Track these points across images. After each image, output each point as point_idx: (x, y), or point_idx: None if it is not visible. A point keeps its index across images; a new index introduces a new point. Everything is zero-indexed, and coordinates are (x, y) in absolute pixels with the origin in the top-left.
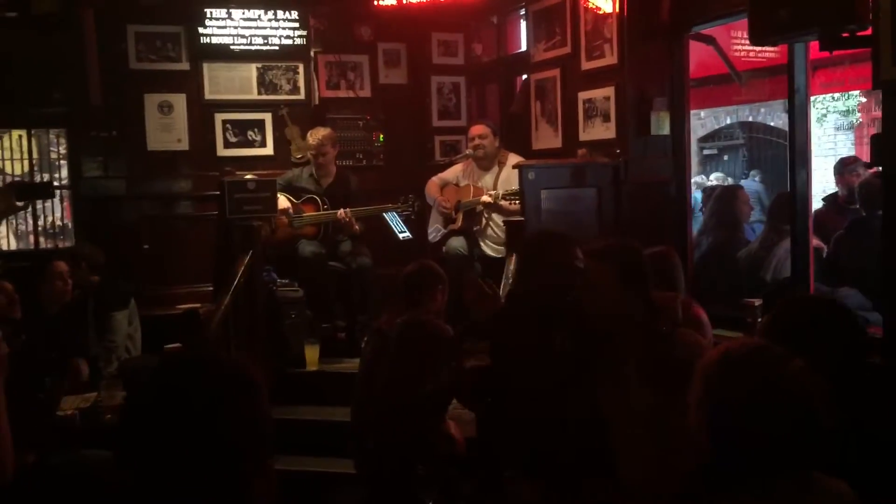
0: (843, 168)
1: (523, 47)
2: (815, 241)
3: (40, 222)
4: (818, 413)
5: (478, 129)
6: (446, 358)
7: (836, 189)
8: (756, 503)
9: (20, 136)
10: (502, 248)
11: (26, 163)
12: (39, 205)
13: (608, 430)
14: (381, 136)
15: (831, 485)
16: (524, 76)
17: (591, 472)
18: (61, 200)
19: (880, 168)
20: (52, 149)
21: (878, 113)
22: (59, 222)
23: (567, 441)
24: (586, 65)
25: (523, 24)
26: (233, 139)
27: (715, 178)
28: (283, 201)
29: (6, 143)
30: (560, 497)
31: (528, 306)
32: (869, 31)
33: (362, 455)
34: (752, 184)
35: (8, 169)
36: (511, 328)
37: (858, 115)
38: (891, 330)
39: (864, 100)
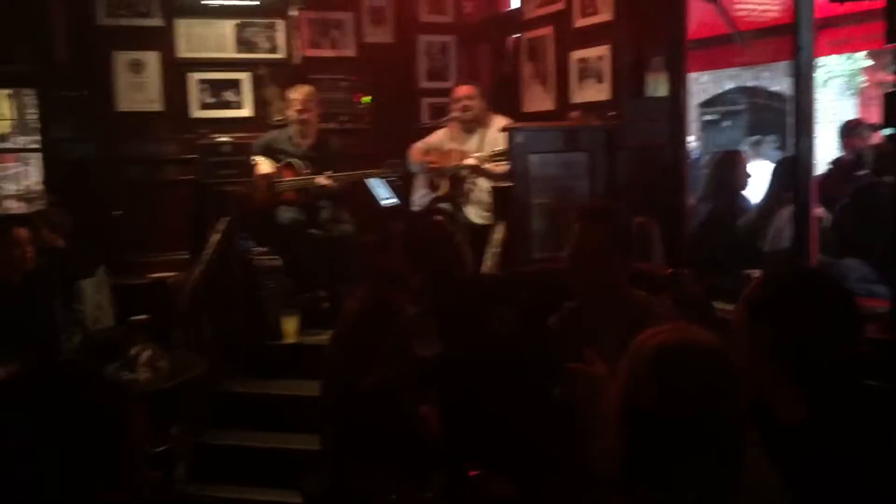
0: (849, 131)
1: (516, 4)
2: (818, 210)
3: (15, 186)
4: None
5: (465, 90)
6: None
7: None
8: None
9: (6, 97)
10: (488, 214)
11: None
12: (13, 169)
13: (575, 418)
14: (367, 97)
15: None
16: (516, 36)
17: (558, 465)
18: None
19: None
20: (30, 111)
21: (884, 76)
22: (35, 187)
23: (521, 432)
24: (580, 21)
25: None
26: (209, 100)
27: (754, 143)
28: (265, 165)
29: None
30: (526, 493)
31: (454, 290)
32: None
33: (325, 437)
34: (766, 151)
35: None
36: (443, 316)
37: (863, 78)
38: None
39: (871, 62)
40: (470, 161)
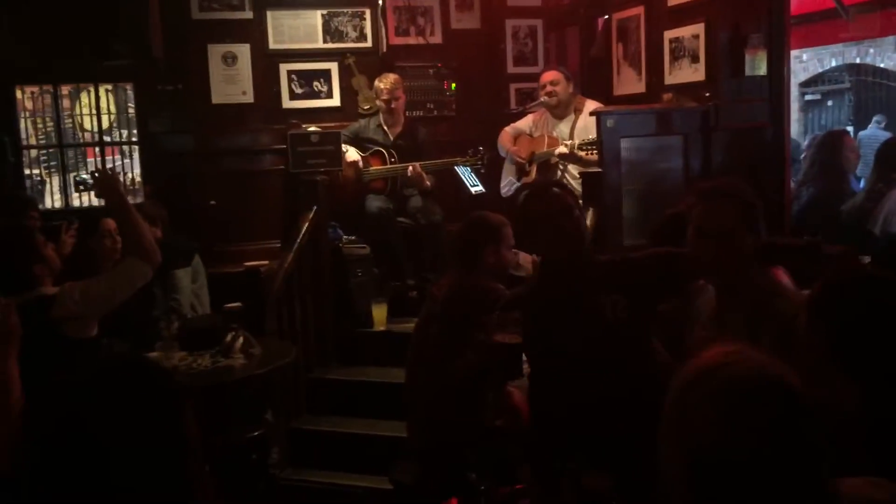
0: None
1: None
2: None
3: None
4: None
5: (549, 76)
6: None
7: None
8: None
9: (106, 91)
10: (580, 201)
11: (105, 118)
12: (119, 162)
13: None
14: (454, 84)
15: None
16: (605, 17)
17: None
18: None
19: None
20: (129, 104)
21: None
22: (138, 179)
23: (621, 425)
24: (673, 0)
25: None
26: (298, 90)
27: (876, 122)
28: (352, 154)
29: (84, 100)
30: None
31: (565, 268)
32: None
33: (413, 424)
34: (876, 131)
35: (87, 125)
36: (547, 298)
37: None
38: None
39: None
40: (562, 149)
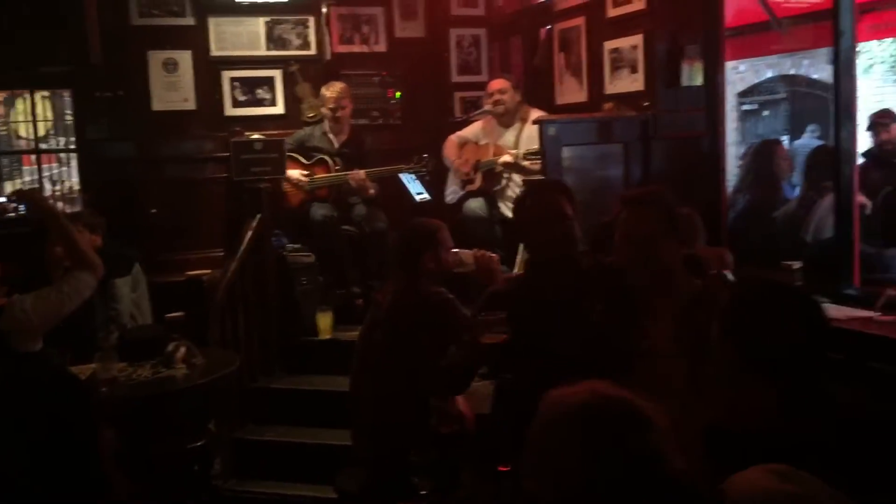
0: (875, 122)
1: None
2: (860, 199)
3: (57, 187)
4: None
5: (497, 84)
6: (443, 328)
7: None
8: None
9: (42, 98)
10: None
11: (41, 125)
12: (56, 170)
13: None
14: (398, 92)
15: None
16: (548, 27)
17: None
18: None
19: None
20: (66, 111)
21: None
22: (76, 187)
23: None
24: (613, 11)
25: None
26: (241, 98)
27: (810, 132)
28: (295, 174)
29: (20, 107)
30: None
31: (552, 271)
32: None
33: (358, 431)
34: (810, 140)
35: (22, 132)
36: (534, 297)
37: None
38: None
39: None
40: (506, 158)
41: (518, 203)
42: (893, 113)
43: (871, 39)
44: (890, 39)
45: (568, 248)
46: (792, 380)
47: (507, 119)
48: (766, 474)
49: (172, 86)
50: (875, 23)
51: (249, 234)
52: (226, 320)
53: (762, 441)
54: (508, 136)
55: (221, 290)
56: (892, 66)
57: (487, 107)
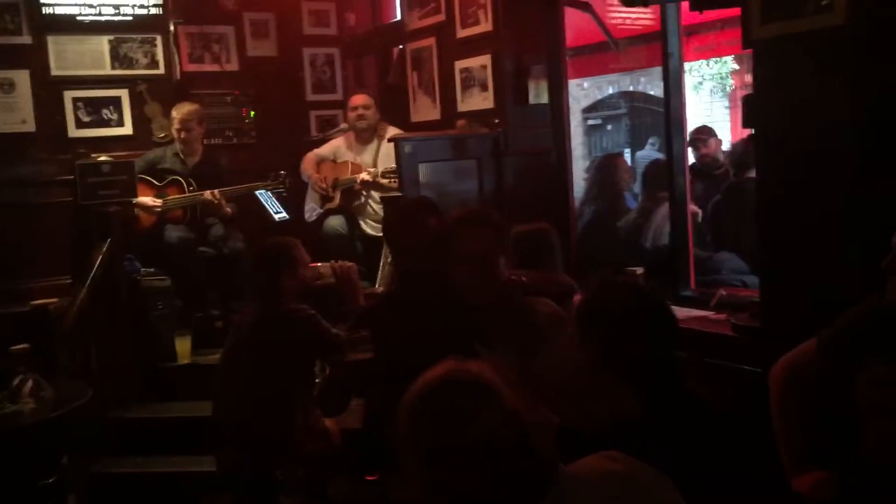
0: (694, 139)
1: (398, 16)
2: (692, 207)
3: None
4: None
5: (361, 99)
6: (308, 344)
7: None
8: None
9: None
10: (380, 225)
11: None
12: None
13: None
14: (252, 111)
15: None
16: (400, 46)
17: None
18: None
19: (752, 130)
20: None
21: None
22: None
23: None
24: (462, 32)
25: None
26: (86, 118)
27: (650, 144)
28: (147, 201)
29: None
30: None
31: (419, 287)
32: None
33: (223, 455)
34: (651, 152)
35: None
36: (393, 313)
37: (732, 81)
38: (767, 292)
39: (736, 66)
40: (364, 176)
41: (386, 222)
42: (710, 129)
43: (698, 60)
44: (714, 60)
45: (435, 264)
46: (653, 379)
47: (365, 136)
48: (599, 458)
49: (8, 107)
50: (699, 44)
51: (100, 259)
52: (77, 350)
53: (618, 440)
54: (366, 154)
55: (70, 319)
56: (719, 84)
57: (343, 125)
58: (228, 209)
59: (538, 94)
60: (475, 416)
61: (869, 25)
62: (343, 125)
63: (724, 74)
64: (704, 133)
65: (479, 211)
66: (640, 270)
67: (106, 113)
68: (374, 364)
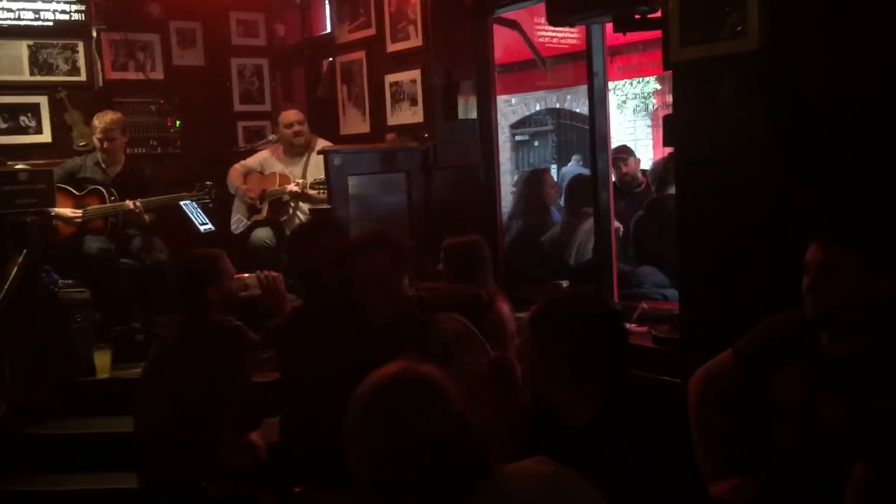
0: (615, 158)
1: (329, 29)
2: (615, 223)
3: None
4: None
5: (296, 115)
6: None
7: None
8: None
9: None
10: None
11: None
12: None
13: None
14: (178, 121)
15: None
16: (330, 59)
17: None
18: None
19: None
20: None
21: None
22: None
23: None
24: (392, 47)
25: (328, 4)
26: (3, 125)
27: (576, 160)
28: (66, 212)
29: None
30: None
31: (314, 306)
32: (659, 14)
33: (147, 470)
34: (576, 167)
35: None
36: (298, 331)
37: (654, 100)
38: (686, 305)
39: (658, 86)
40: (292, 188)
41: (289, 241)
42: (630, 149)
43: (622, 79)
44: (637, 80)
45: (339, 282)
46: (610, 383)
47: (296, 149)
48: (532, 461)
49: None
50: (623, 64)
51: (15, 270)
52: None
53: (576, 441)
54: (296, 166)
55: None
56: (642, 103)
57: (272, 137)
58: (146, 218)
59: (467, 109)
60: (428, 414)
61: (780, 50)
62: (272, 136)
63: (646, 94)
64: (624, 153)
65: (376, 234)
66: (565, 283)
67: (24, 120)
68: (279, 383)
